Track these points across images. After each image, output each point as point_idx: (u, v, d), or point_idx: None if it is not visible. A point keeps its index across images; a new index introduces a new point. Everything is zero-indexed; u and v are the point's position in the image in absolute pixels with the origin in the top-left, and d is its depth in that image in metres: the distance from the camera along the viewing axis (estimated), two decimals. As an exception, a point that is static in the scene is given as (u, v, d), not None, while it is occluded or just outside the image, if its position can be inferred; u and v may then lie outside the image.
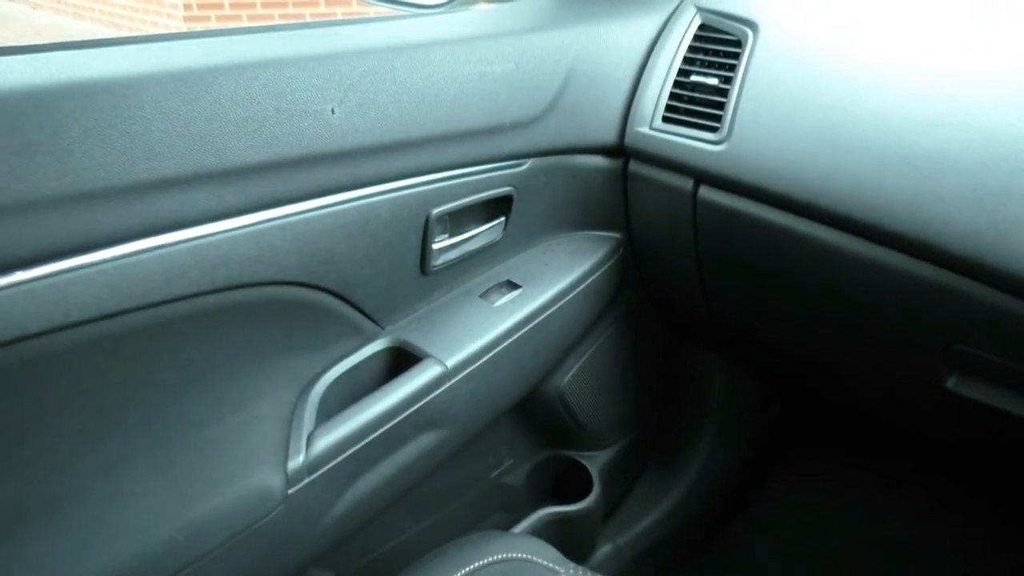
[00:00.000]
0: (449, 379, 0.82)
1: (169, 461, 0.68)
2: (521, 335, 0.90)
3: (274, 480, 0.70)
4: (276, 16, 4.87)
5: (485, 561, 0.74)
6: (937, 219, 0.68)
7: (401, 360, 0.83)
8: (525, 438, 1.10)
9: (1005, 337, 0.71)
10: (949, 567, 1.21)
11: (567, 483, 1.14)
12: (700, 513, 1.29)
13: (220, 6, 4.86)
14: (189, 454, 0.69)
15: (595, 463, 1.14)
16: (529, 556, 0.76)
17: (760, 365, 1.18)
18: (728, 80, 0.87)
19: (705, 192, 0.88)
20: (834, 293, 0.82)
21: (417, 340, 0.84)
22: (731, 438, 1.29)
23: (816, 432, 1.40)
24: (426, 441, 0.84)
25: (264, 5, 4.86)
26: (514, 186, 0.89)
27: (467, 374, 0.84)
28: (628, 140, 0.93)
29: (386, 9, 1.06)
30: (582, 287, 0.97)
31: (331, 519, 0.76)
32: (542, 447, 1.13)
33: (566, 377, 1.05)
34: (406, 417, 0.79)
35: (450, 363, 0.82)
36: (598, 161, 0.96)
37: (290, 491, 0.71)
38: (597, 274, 0.99)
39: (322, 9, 4.91)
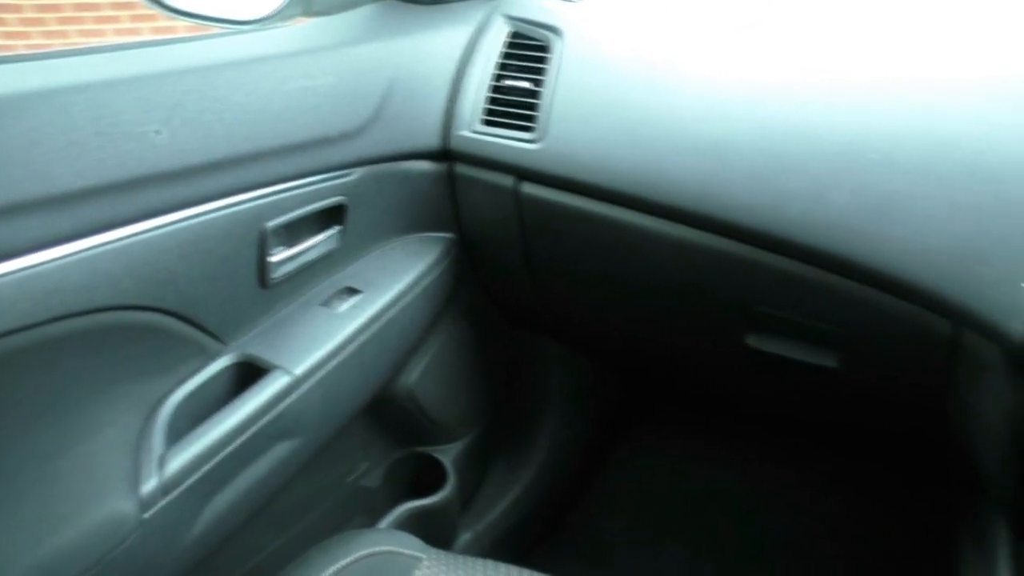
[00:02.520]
0: (298, 388, 0.84)
1: (16, 499, 0.65)
2: (365, 338, 0.93)
3: (126, 506, 0.69)
4: (72, 32, 4.55)
5: (350, 559, 0.76)
6: (725, 197, 0.78)
7: (248, 374, 0.84)
8: (379, 439, 1.13)
9: (791, 296, 0.82)
10: (776, 512, 1.35)
11: (424, 478, 1.18)
12: (551, 492, 1.36)
13: (4, 22, 4.48)
14: (37, 489, 0.67)
15: (448, 455, 1.19)
16: (393, 548, 0.78)
17: (593, 347, 1.27)
18: (539, 83, 0.94)
19: (527, 188, 0.95)
20: (647, 272, 0.91)
21: (263, 353, 0.85)
22: (573, 418, 1.37)
23: (652, 402, 1.52)
24: (280, 452, 0.85)
25: (59, 21, 4.53)
26: (346, 195, 0.92)
27: (316, 381, 0.86)
28: (452, 144, 0.98)
29: (203, 26, 1.05)
30: (420, 287, 1.01)
31: (191, 540, 0.76)
32: (396, 446, 1.16)
33: (414, 375, 1.09)
34: (258, 430, 0.80)
35: (298, 372, 0.84)
36: (425, 166, 1.01)
37: (145, 515, 0.70)
38: (434, 274, 1.03)
39: (126, 25, 4.64)
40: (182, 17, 1.06)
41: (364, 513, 1.12)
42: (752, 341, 0.91)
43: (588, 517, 1.42)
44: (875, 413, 0.98)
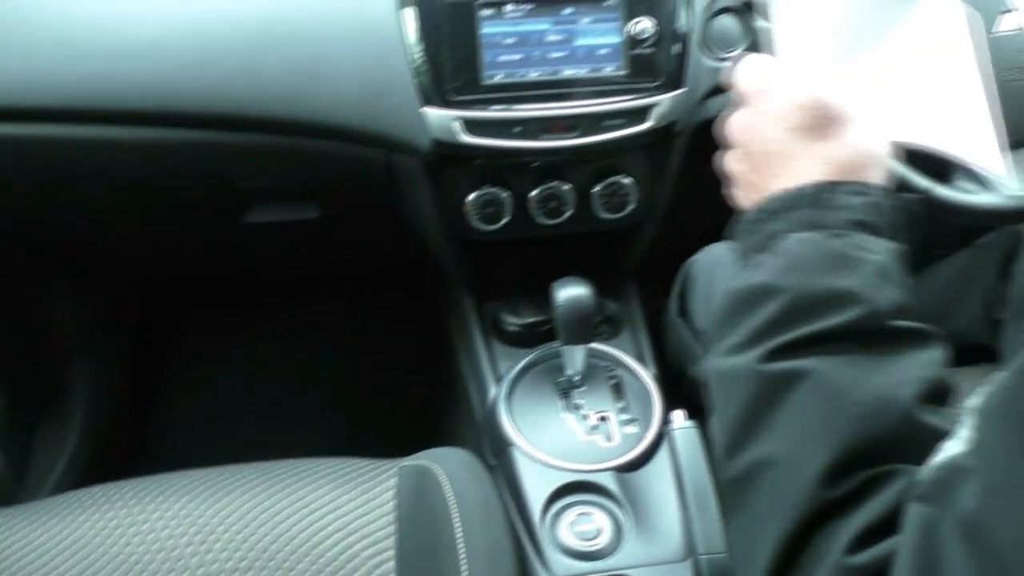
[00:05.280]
0: None
1: None
2: None
3: None
4: None
5: None
6: (171, 91, 0.85)
7: None
8: None
9: (262, 165, 0.95)
10: (317, 365, 1.52)
11: None
12: (111, 427, 1.35)
13: None
14: None
15: None
16: None
17: (108, 274, 1.27)
18: None
19: None
20: (128, 181, 0.96)
21: None
22: (107, 353, 1.36)
23: (190, 308, 1.55)
24: None
25: None
26: None
27: None
28: None
29: None
30: None
31: None
32: None
33: None
34: None
35: None
36: None
37: None
38: None
39: None
40: None
41: None
42: (249, 216, 1.03)
43: (159, 432, 1.45)
44: (363, 246, 1.18)
